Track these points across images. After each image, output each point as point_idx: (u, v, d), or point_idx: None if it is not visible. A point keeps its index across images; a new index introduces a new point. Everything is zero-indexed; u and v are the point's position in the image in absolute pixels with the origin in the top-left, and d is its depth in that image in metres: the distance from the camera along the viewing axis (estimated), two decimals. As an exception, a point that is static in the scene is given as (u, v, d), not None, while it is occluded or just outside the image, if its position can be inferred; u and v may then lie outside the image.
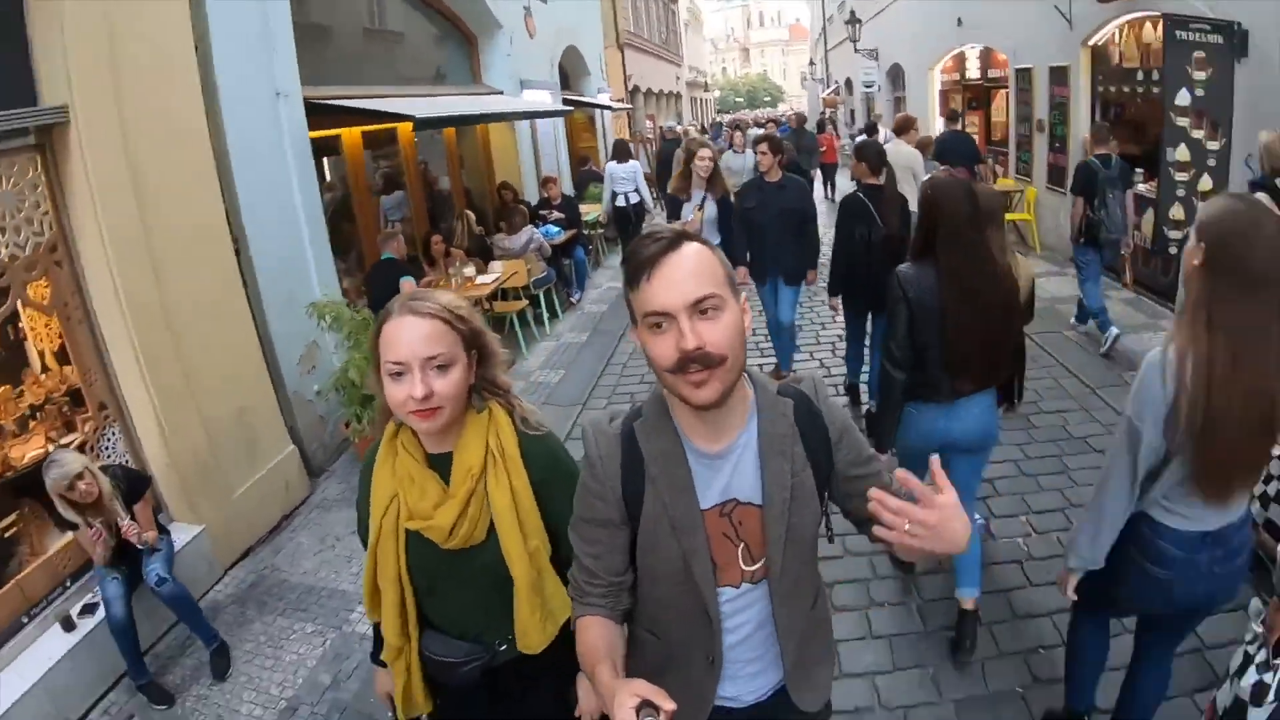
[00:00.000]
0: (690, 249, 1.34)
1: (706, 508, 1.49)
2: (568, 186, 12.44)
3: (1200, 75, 6.07)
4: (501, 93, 10.46)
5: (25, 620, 3.59)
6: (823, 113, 22.94)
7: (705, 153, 5.99)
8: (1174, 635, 2.47)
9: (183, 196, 4.29)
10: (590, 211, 11.40)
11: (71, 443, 3.90)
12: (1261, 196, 3.86)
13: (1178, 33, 6.04)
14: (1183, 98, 6.06)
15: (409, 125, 7.48)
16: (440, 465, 1.70)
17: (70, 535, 3.76)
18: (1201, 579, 2.13)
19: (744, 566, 1.52)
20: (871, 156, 5.06)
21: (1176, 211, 6.24)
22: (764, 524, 1.49)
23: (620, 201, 9.99)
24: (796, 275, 5.79)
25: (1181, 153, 6.10)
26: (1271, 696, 1.94)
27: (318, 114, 5.86)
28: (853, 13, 20.13)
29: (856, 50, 19.77)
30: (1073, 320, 6.96)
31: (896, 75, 18.07)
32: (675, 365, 1.30)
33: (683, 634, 1.57)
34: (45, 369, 4.07)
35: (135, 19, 4.02)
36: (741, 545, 1.51)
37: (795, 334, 6.27)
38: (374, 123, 7.06)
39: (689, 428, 1.48)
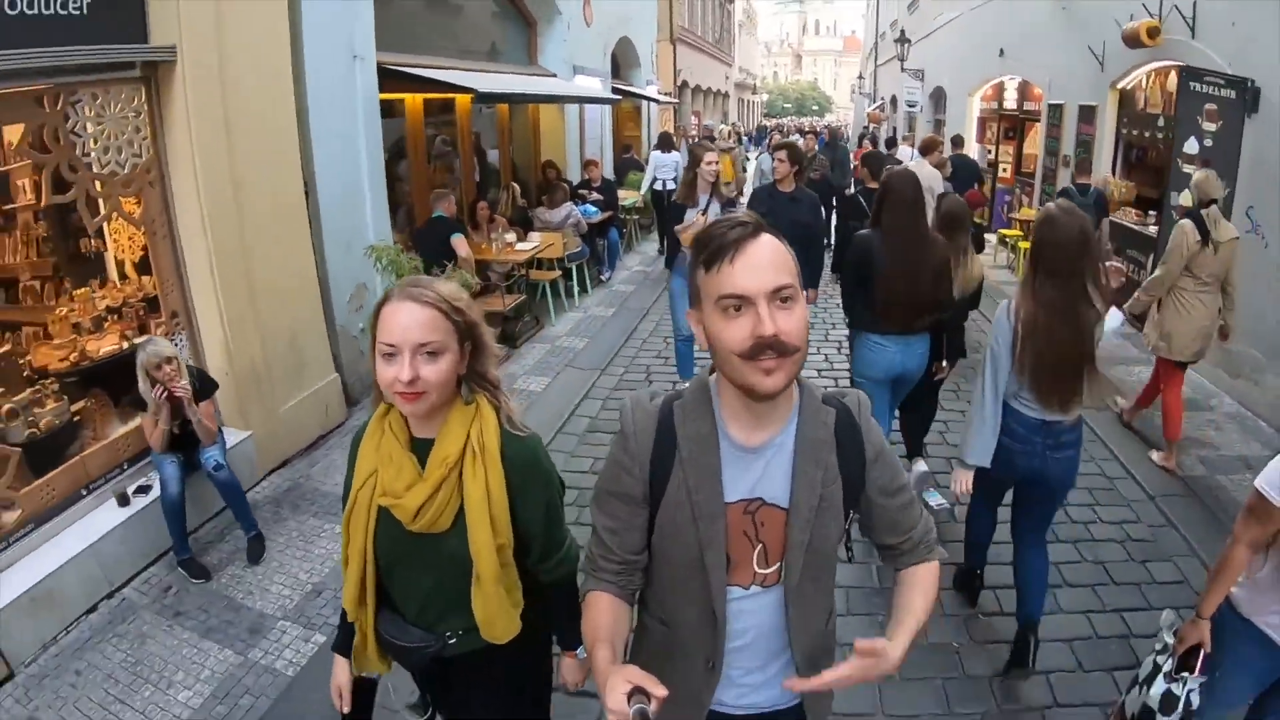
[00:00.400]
0: (769, 238, 1.36)
1: (731, 501, 1.48)
2: (608, 171, 12.95)
3: (1210, 126, 6.45)
4: (555, 76, 10.97)
5: (84, 493, 4.10)
6: (865, 127, 23.27)
7: (711, 157, 5.84)
8: (1036, 517, 3.31)
9: (266, 138, 4.82)
10: (628, 197, 11.95)
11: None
12: (1187, 222, 4.85)
13: (1192, 84, 6.43)
14: (1191, 145, 6.46)
15: (467, 97, 7.97)
16: (421, 450, 1.74)
17: (131, 425, 4.33)
18: (1037, 456, 3.06)
19: (757, 568, 1.52)
20: (873, 164, 6.25)
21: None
22: (787, 528, 1.48)
23: (658, 186, 11.10)
24: (807, 284, 5.74)
25: (1185, 197, 6.48)
26: (1180, 709, 2.39)
27: (387, 78, 6.37)
28: (903, 32, 20.45)
29: (903, 69, 20.08)
30: None
31: (939, 97, 18.36)
32: (749, 350, 1.30)
33: (688, 629, 1.57)
34: (124, 277, 4.60)
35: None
36: (759, 547, 1.51)
37: None
38: (436, 91, 7.57)
39: (729, 417, 1.48)
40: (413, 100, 7.62)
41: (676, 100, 23.04)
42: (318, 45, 5.32)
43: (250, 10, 4.66)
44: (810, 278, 5.83)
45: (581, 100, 11.50)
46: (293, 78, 5.03)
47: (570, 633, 1.99)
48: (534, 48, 10.95)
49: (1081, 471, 3.32)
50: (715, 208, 5.76)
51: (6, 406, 3.75)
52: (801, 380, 1.50)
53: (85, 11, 3.72)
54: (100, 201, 4.19)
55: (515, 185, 9.72)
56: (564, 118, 11.70)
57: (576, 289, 9.04)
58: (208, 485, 4.18)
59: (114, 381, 4.34)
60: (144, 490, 4.20)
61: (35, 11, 3.49)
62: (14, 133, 3.84)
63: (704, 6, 29.93)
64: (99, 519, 4.02)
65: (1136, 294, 5.27)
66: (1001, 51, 13.02)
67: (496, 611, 1.76)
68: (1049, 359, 2.90)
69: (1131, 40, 7.97)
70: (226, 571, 4.14)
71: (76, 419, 4.21)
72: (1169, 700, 2.45)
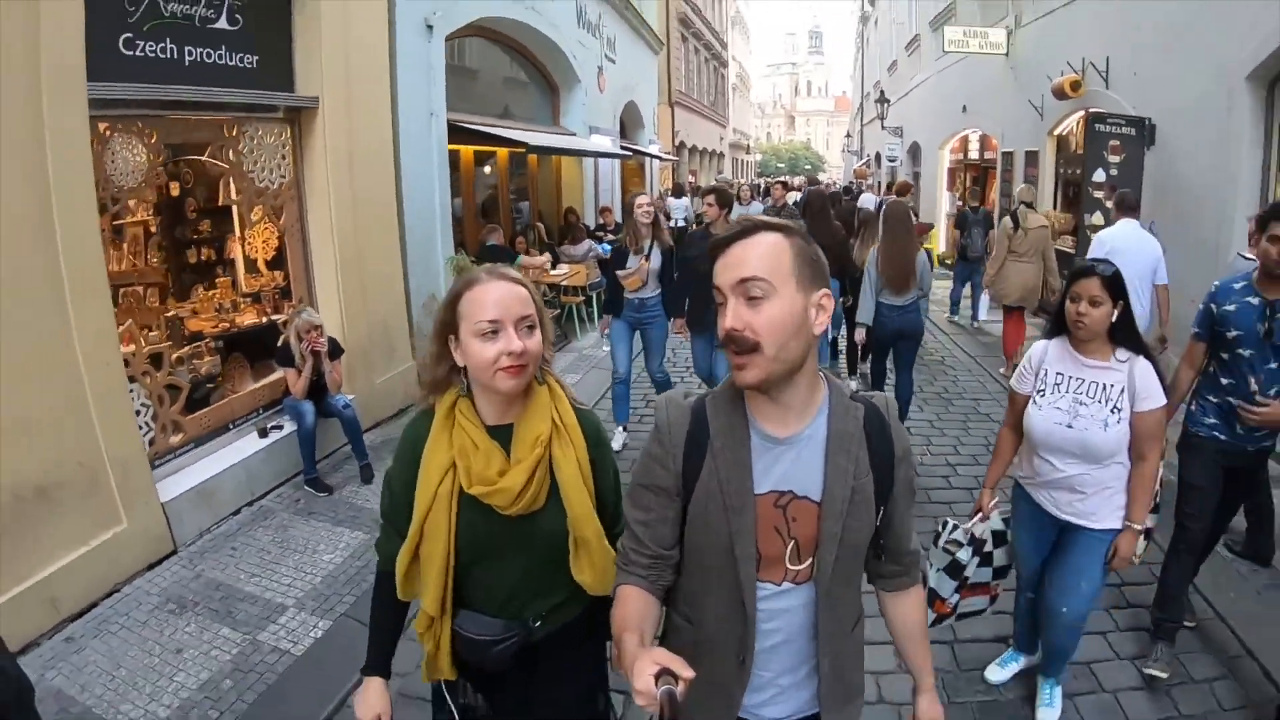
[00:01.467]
0: (764, 236, 1.38)
1: (761, 492, 1.48)
2: (618, 216, 14.63)
3: (1114, 159, 7.98)
4: (575, 134, 12.67)
5: (230, 426, 5.40)
6: (851, 182, 25.01)
7: (643, 200, 5.96)
8: (904, 358, 5.85)
9: (374, 171, 6.36)
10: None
11: (282, 320, 5.84)
12: (1007, 219, 7.80)
13: (1097, 125, 8.00)
14: (1099, 175, 7.98)
15: (505, 151, 9.61)
16: (499, 436, 1.74)
17: (264, 381, 5.68)
18: (893, 321, 5.66)
19: (789, 565, 1.51)
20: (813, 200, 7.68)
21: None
22: (820, 519, 1.48)
23: (673, 223, 13.33)
24: None
25: (1096, 218, 7.99)
26: (964, 573, 3.11)
27: (453, 132, 7.98)
28: (882, 92, 22.43)
29: (883, 127, 21.93)
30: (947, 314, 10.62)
31: (915, 151, 20.15)
32: (721, 342, 1.38)
33: (717, 625, 1.56)
34: (258, 271, 5.97)
35: (360, 42, 6.16)
36: (791, 543, 1.49)
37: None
38: (492, 145, 9.23)
39: (757, 409, 1.49)
40: (466, 151, 9.23)
41: (676, 158, 24.81)
42: (407, 104, 6.90)
43: (367, 73, 6.26)
44: None
45: (599, 155, 13.24)
46: (391, 127, 6.60)
47: None
48: (557, 110, 12.76)
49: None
50: (657, 254, 5.90)
51: (175, 354, 5.09)
52: (829, 376, 1.54)
53: (255, 65, 5.29)
54: (253, 209, 5.65)
55: (540, 225, 11.37)
56: (581, 170, 13.49)
57: (597, 312, 10.58)
58: (326, 429, 5.53)
59: (253, 347, 5.74)
60: (277, 429, 5.52)
61: (223, 61, 5.03)
62: (203, 149, 5.28)
63: (700, 72, 32.06)
64: (244, 445, 5.32)
65: (986, 269, 8.45)
66: (964, 108, 14.75)
67: (606, 564, 1.76)
68: (891, 272, 5.56)
69: (1059, 93, 9.59)
70: (344, 489, 5.38)
71: (224, 372, 5.55)
72: (954, 567, 3.12)
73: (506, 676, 1.87)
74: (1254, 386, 3.13)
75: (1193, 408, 3.43)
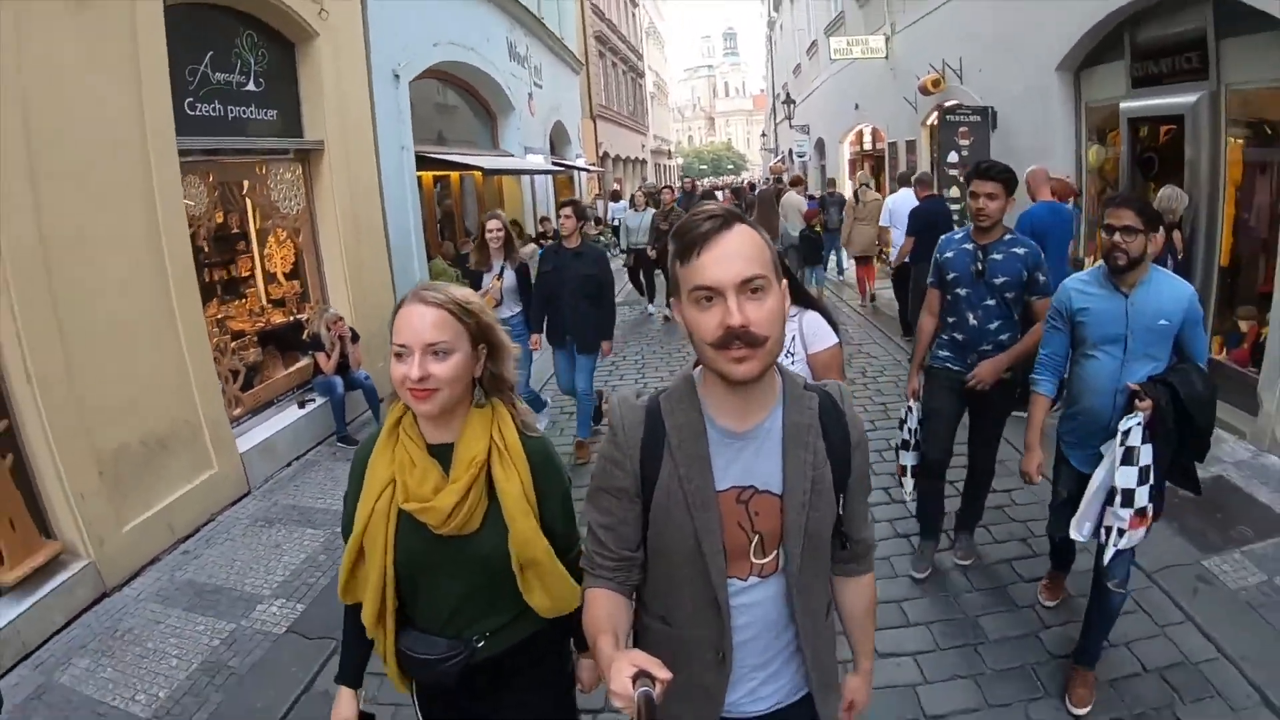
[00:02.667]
0: (742, 229, 1.37)
1: (723, 489, 1.49)
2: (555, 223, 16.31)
3: (964, 143, 9.78)
4: (512, 155, 14.20)
5: (274, 402, 6.74)
6: (767, 179, 26.86)
7: (494, 224, 6.11)
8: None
9: (366, 198, 7.77)
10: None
11: (305, 318, 7.19)
12: (850, 196, 10.26)
13: (947, 118, 9.83)
14: (952, 157, 9.79)
15: (456, 174, 11.09)
16: (439, 455, 1.74)
17: (294, 367, 7.00)
18: None
19: (754, 559, 1.51)
20: (744, 194, 9.51)
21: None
22: (784, 512, 1.48)
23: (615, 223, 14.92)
24: (592, 344, 5.91)
25: (953, 192, 9.75)
26: (908, 434, 4.12)
27: (421, 161, 9.43)
28: (788, 94, 24.32)
29: (790, 126, 23.83)
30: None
31: (820, 146, 22.07)
32: (719, 340, 1.33)
33: (692, 624, 1.55)
34: (279, 281, 7.26)
35: (347, 92, 7.57)
36: (756, 538, 1.50)
37: (594, 403, 6.33)
38: (452, 170, 10.80)
39: (715, 405, 1.50)
40: (425, 176, 10.67)
41: (601, 169, 26.33)
42: (385, 141, 8.32)
43: (355, 117, 7.69)
44: (603, 329, 5.95)
45: (534, 172, 14.88)
46: (375, 161, 8.04)
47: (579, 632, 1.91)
48: (496, 135, 14.31)
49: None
50: (510, 272, 6.09)
51: (233, 345, 6.41)
52: (783, 368, 1.56)
53: (275, 118, 6.71)
54: (277, 232, 7.03)
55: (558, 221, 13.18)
56: (520, 186, 15.06)
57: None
58: (352, 400, 6.91)
59: (282, 341, 7.07)
60: (311, 401, 6.87)
61: (252, 116, 6.43)
62: (240, 185, 6.61)
63: (618, 85, 33.52)
64: (287, 415, 6.67)
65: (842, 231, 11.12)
66: (857, 105, 16.63)
67: (561, 586, 1.78)
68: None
69: (924, 90, 11.41)
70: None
71: (263, 361, 6.86)
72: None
73: (460, 695, 1.88)
74: (973, 321, 3.78)
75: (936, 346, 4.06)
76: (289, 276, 7.27)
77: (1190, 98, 6.26)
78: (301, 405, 6.82)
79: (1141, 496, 2.97)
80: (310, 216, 7.24)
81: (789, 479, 1.49)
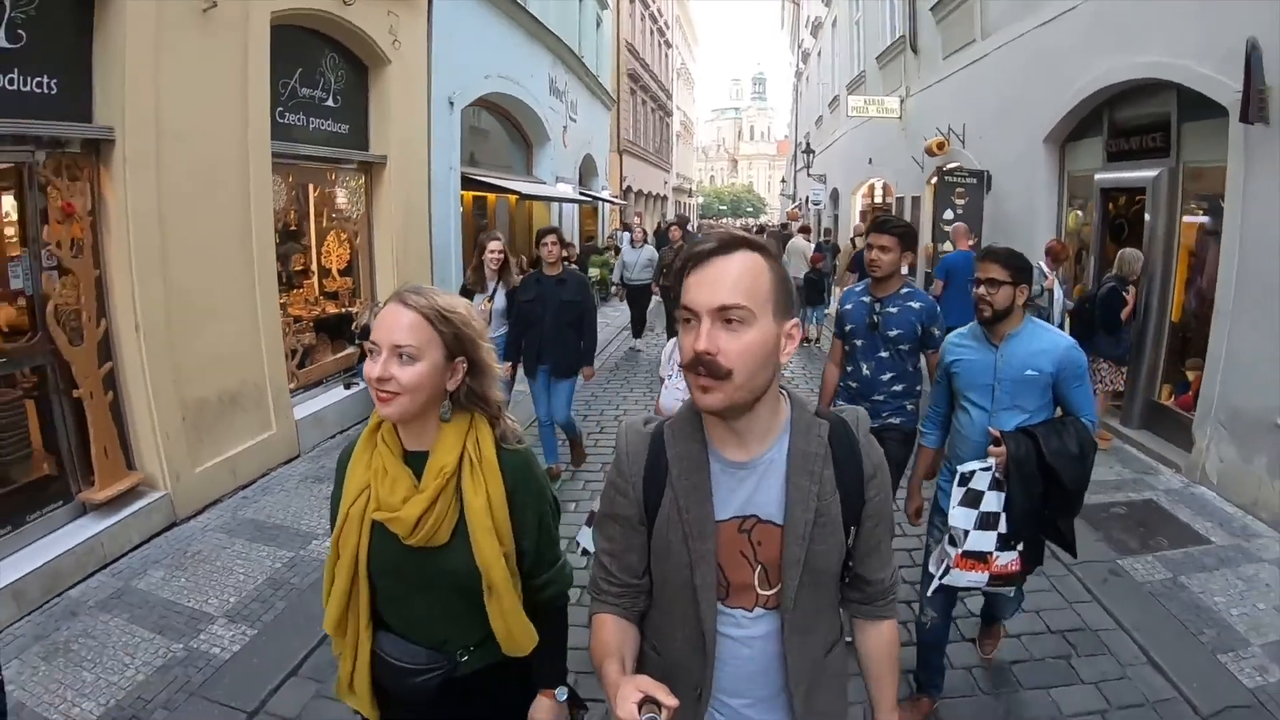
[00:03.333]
0: (740, 256, 1.33)
1: (723, 519, 1.46)
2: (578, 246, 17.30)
3: (960, 202, 10.63)
4: (544, 182, 15.21)
5: (321, 382, 7.57)
6: (784, 224, 27.78)
7: (495, 245, 6.16)
8: None
9: (416, 209, 8.70)
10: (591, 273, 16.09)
11: (355, 311, 8.03)
12: (850, 244, 11.98)
13: (946, 179, 10.68)
14: (947, 214, 10.63)
15: (493, 196, 12.07)
16: (415, 463, 1.71)
17: (342, 353, 7.80)
18: None
19: (759, 590, 1.47)
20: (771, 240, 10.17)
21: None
22: (783, 544, 1.44)
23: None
24: (571, 369, 5.96)
25: (944, 249, 10.57)
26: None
27: (465, 182, 10.37)
28: (808, 144, 25.31)
29: (809, 175, 24.82)
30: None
31: (835, 196, 23.01)
32: (689, 364, 1.32)
33: (679, 655, 1.54)
34: (331, 277, 8.14)
35: (408, 114, 8.51)
36: (759, 568, 1.46)
37: (575, 427, 6.42)
38: (491, 192, 11.86)
39: (717, 435, 1.47)
40: (466, 195, 11.60)
41: (625, 202, 27.33)
42: (437, 160, 9.27)
43: (413, 137, 8.61)
44: (585, 355, 6.02)
45: (564, 200, 15.84)
46: (427, 177, 8.96)
47: (550, 668, 1.90)
48: (531, 162, 15.34)
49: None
50: (501, 295, 6.17)
51: (293, 326, 7.21)
52: (793, 394, 1.52)
53: (347, 131, 7.61)
54: (337, 232, 7.90)
55: (522, 256, 13.84)
56: (549, 210, 15.94)
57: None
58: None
59: (335, 329, 7.87)
60: (355, 384, 7.66)
61: (329, 129, 7.34)
62: (312, 189, 7.51)
63: (646, 121, 34.59)
64: (334, 394, 7.50)
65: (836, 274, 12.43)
66: (870, 160, 17.54)
67: (515, 622, 1.74)
68: None
69: (930, 151, 12.27)
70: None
71: (315, 345, 7.67)
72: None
73: (432, 713, 1.81)
74: (865, 371, 3.92)
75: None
76: (343, 273, 8.12)
77: (1153, 172, 7.10)
78: (347, 387, 7.62)
79: (981, 542, 3.01)
80: (368, 221, 8.12)
81: (791, 509, 1.44)
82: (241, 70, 5.82)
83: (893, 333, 3.82)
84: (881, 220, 4.02)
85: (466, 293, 6.22)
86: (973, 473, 3.07)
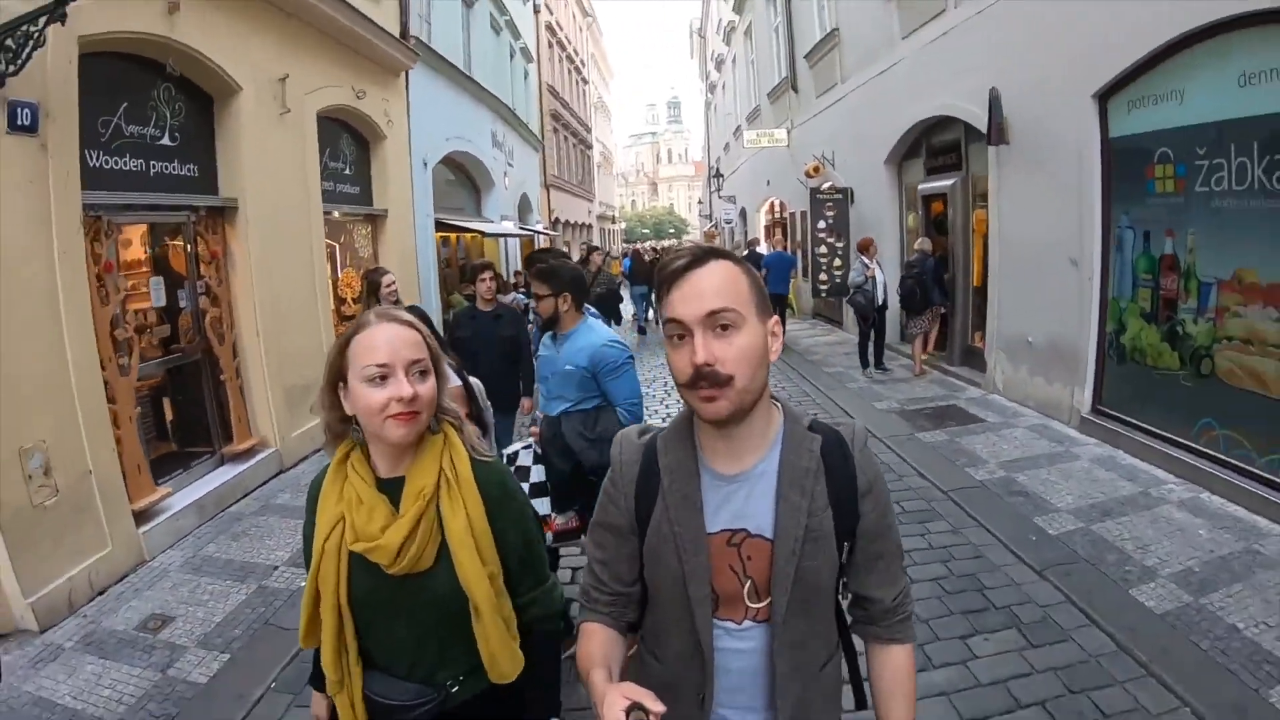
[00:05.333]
0: (716, 264, 1.35)
1: (713, 531, 1.45)
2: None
3: (831, 213, 13.49)
4: (491, 220, 17.77)
5: None
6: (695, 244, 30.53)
7: (389, 279, 5.93)
8: None
9: (407, 249, 11.16)
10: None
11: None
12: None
13: (817, 196, 13.60)
14: (821, 224, 13.48)
15: (454, 234, 14.60)
16: (390, 490, 1.67)
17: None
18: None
19: (749, 603, 1.47)
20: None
21: (821, 278, 13.62)
22: (773, 560, 1.43)
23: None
24: (511, 404, 5.94)
25: (821, 249, 13.42)
26: None
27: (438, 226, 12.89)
28: (718, 169, 28.30)
29: (719, 196, 27.76)
30: None
31: (744, 214, 25.99)
32: (689, 380, 1.32)
33: (677, 664, 1.53)
34: (348, 304, 10.51)
35: (397, 174, 10.95)
36: (749, 582, 1.46)
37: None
38: (458, 232, 14.47)
39: (708, 446, 1.47)
40: (438, 235, 14.09)
41: (555, 233, 29.80)
42: (418, 210, 11.73)
43: (402, 192, 11.06)
44: (525, 387, 5.96)
45: (509, 235, 18.57)
46: (412, 224, 11.42)
47: (539, 698, 1.85)
48: (480, 203, 17.94)
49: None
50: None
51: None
52: (786, 407, 1.52)
53: (360, 190, 10.02)
54: (348, 270, 10.23)
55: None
56: (497, 244, 18.46)
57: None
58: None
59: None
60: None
61: (347, 190, 9.77)
62: (336, 236, 9.90)
63: (569, 156, 36.70)
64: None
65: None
66: (768, 182, 20.47)
67: (499, 647, 1.68)
68: None
69: (808, 175, 15.11)
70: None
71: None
72: None
73: None
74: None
75: None
76: (356, 301, 10.49)
77: (951, 181, 9.98)
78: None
79: (539, 507, 3.55)
80: (375, 260, 10.53)
81: (781, 524, 1.42)
82: (302, 153, 8.26)
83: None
84: (531, 255, 4.62)
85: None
86: (516, 453, 3.88)
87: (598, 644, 1.53)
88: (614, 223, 61.69)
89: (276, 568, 5.46)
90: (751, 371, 1.34)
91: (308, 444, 8.02)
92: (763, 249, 16.48)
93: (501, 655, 1.70)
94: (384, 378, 1.57)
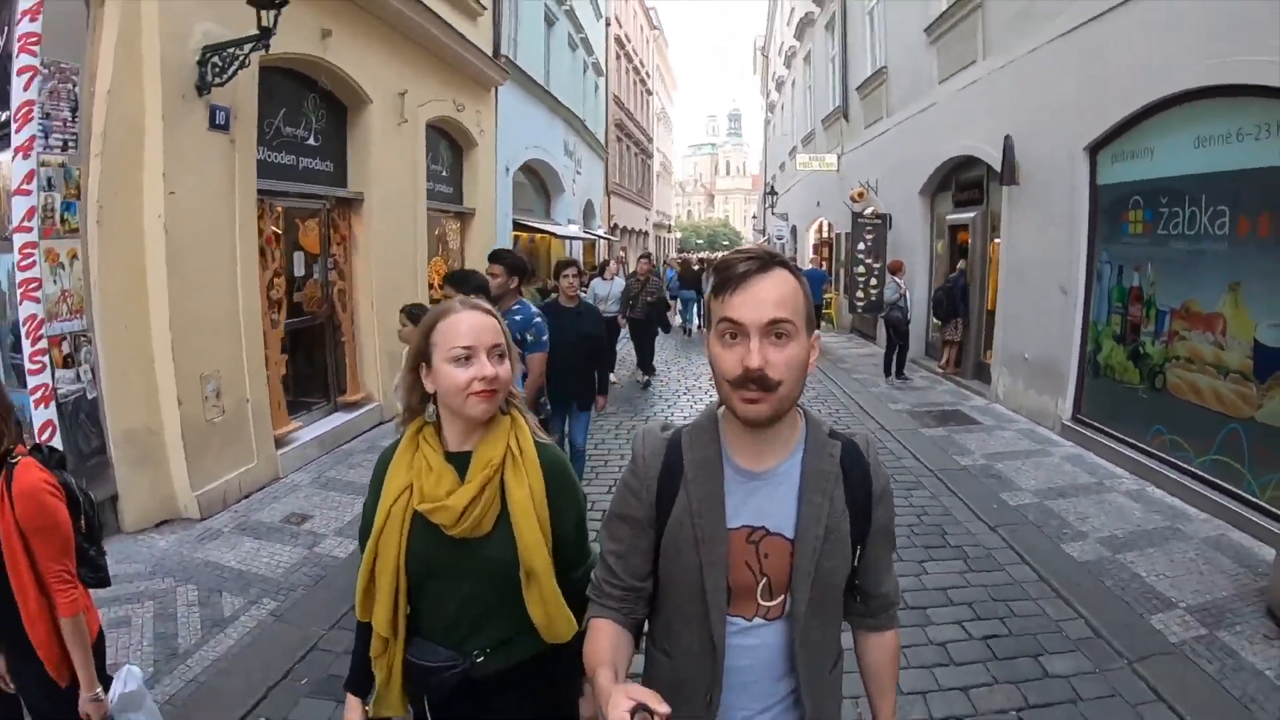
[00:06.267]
0: (780, 273, 1.39)
1: (734, 527, 1.49)
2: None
3: (870, 236, 14.72)
4: (560, 223, 19.39)
5: None
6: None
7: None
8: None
9: (489, 243, 12.53)
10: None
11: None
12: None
13: (858, 219, 14.83)
14: (861, 246, 14.74)
15: (526, 234, 16.19)
16: (457, 463, 1.79)
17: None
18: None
19: (760, 601, 1.51)
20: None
21: (859, 295, 14.87)
22: (794, 557, 1.47)
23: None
24: (590, 399, 6.14)
25: (860, 269, 14.66)
26: None
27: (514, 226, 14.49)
28: (773, 186, 29.55)
29: (772, 213, 29.03)
30: None
31: (795, 231, 27.23)
32: (736, 379, 1.36)
33: (688, 660, 1.55)
34: (434, 288, 12.03)
35: (484, 179, 12.53)
36: (764, 580, 1.50)
37: (584, 459, 6.55)
38: (531, 232, 16.04)
39: (734, 444, 1.52)
40: (514, 234, 15.64)
41: (614, 238, 31.26)
42: (500, 209, 13.32)
43: (487, 194, 12.62)
44: (602, 385, 6.22)
45: (575, 238, 20.15)
46: (495, 223, 12.96)
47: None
48: (550, 207, 19.58)
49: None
50: None
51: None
52: (808, 412, 1.57)
53: (453, 190, 11.62)
54: (439, 259, 11.73)
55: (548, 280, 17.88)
56: (563, 245, 20.02)
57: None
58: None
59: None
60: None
61: (444, 190, 11.35)
62: (438, 233, 11.41)
63: (630, 165, 37.93)
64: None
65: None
66: (818, 203, 21.70)
67: (556, 609, 1.79)
68: None
69: (853, 199, 16.33)
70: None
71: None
72: None
73: (454, 714, 1.90)
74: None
75: None
76: (441, 287, 11.97)
77: (973, 214, 11.20)
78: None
79: None
80: (461, 252, 12.09)
81: (803, 524, 1.47)
82: (413, 156, 9.83)
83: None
84: (493, 253, 5.32)
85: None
86: None
87: (606, 641, 1.54)
88: (669, 231, 62.72)
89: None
90: (796, 380, 1.39)
91: (404, 400, 9.55)
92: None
93: (558, 617, 1.80)
94: (468, 359, 1.70)
